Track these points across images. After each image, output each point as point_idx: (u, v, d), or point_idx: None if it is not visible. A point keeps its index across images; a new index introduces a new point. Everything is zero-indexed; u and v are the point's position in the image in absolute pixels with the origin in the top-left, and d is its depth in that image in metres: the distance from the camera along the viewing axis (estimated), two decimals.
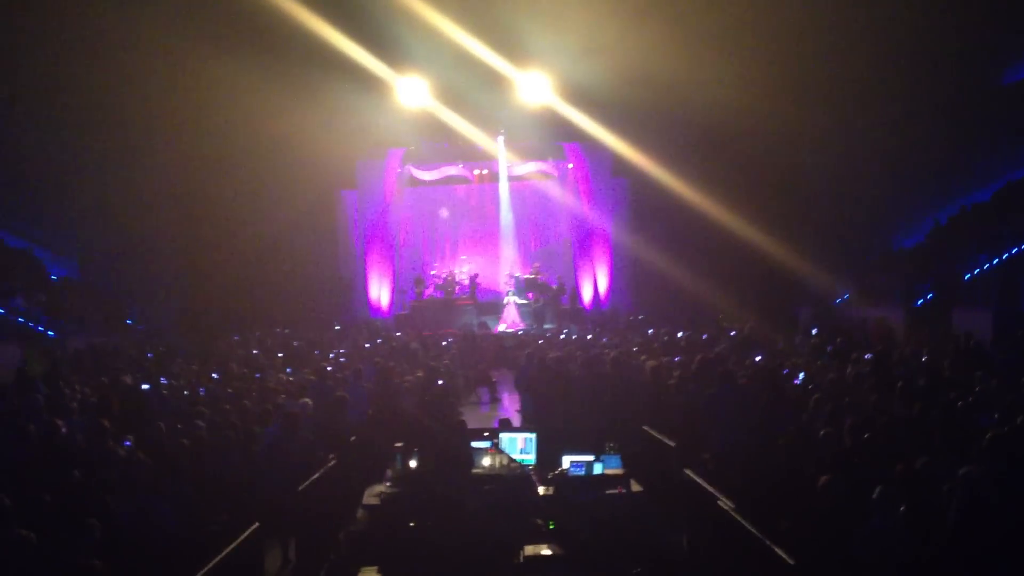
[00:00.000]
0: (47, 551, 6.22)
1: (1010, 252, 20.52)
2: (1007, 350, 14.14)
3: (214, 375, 15.63)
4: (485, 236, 31.18)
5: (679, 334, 20.07)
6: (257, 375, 15.33)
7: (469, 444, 8.36)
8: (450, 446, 8.18)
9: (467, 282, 28.91)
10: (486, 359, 21.05)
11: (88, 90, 21.92)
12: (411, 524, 7.04)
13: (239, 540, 7.05)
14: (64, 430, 9.80)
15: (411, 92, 25.95)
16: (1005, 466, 6.71)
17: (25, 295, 22.02)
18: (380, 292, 29.66)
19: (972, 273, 21.15)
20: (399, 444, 8.66)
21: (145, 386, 13.95)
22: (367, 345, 21.06)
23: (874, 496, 6.70)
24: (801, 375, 12.66)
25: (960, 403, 9.36)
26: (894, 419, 8.95)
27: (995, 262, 20.70)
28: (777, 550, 6.44)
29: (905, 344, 16.19)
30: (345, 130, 25.90)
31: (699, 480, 8.48)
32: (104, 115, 22.79)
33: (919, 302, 21.67)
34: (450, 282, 29.12)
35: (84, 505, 7.04)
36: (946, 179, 23.40)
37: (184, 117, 23.70)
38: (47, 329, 21.64)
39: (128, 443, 9.29)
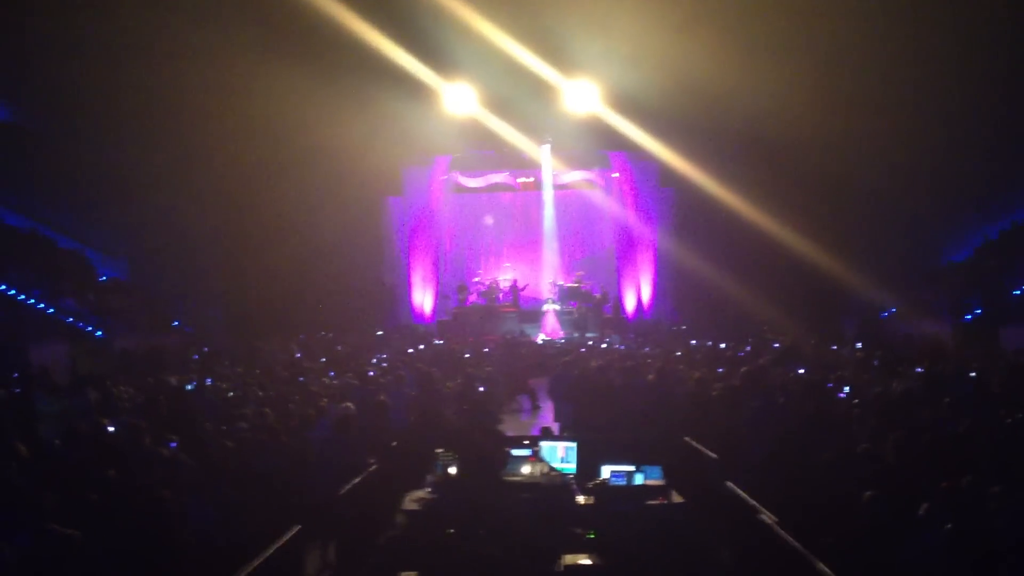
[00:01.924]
0: (91, 550, 6.29)
1: None
2: None
3: (257, 378, 15.78)
4: (529, 244, 31.24)
5: (722, 345, 19.92)
6: (300, 378, 15.46)
7: (503, 450, 8.36)
8: (482, 452, 8.19)
9: (510, 289, 28.95)
10: (527, 367, 21.03)
11: (141, 96, 22.30)
12: (450, 531, 7.04)
13: (280, 542, 7.10)
14: (111, 430, 9.96)
15: (458, 99, 26.07)
16: None
17: (75, 295, 22.41)
18: (423, 298, 29.86)
19: (1021, 289, 20.79)
20: (439, 450, 8.68)
21: (189, 387, 14.15)
22: (411, 351, 21.14)
23: (919, 513, 6.60)
24: (846, 388, 12.49)
25: (1009, 420, 9.19)
26: (941, 435, 8.80)
27: None
28: (820, 565, 6.35)
29: (953, 359, 15.92)
30: (392, 137, 26.12)
31: (741, 493, 8.40)
32: (156, 121, 23.17)
33: (967, 317, 21.35)
34: (493, 289, 29.19)
35: (127, 505, 7.13)
36: (996, 193, 23.04)
37: (234, 124, 23.99)
38: (96, 329, 22.00)
39: (173, 444, 9.41)
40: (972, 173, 22.05)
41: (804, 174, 24.62)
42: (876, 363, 15.63)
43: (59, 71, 21.43)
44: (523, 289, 29.04)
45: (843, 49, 21.52)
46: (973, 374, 13.38)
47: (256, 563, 6.58)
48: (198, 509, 7.63)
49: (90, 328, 21.92)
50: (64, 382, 14.56)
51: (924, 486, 6.92)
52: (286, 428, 10.40)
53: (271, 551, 6.89)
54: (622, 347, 22.23)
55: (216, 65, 22.01)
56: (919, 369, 13.49)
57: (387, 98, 24.30)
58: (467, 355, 20.06)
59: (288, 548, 7.23)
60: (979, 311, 21.24)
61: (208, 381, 15.20)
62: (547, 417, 16.41)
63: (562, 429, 12.97)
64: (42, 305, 21.20)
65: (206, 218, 26.29)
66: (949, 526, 6.33)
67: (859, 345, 19.79)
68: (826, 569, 6.28)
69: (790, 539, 6.89)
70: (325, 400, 12.44)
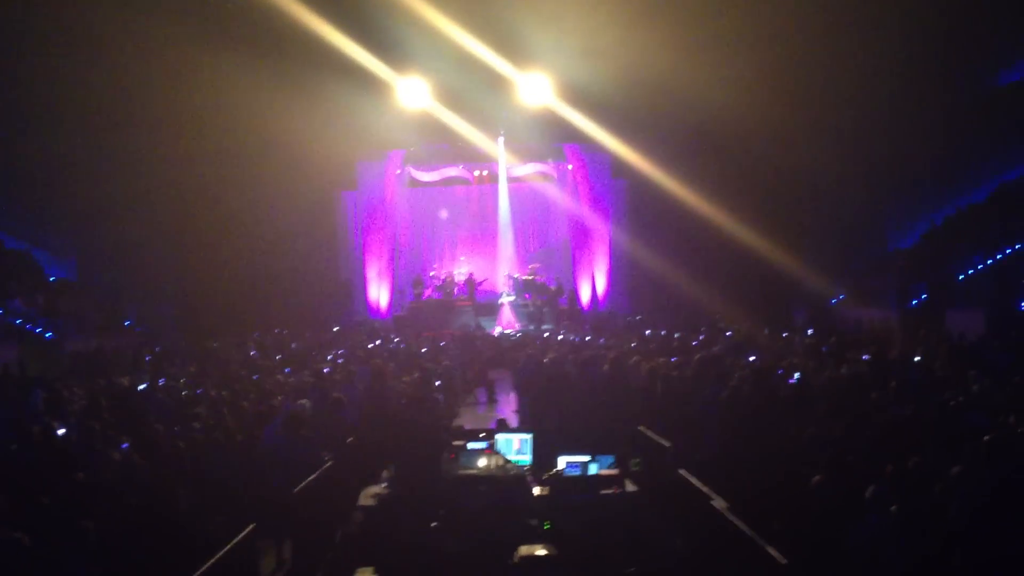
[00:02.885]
0: (41, 553, 6.24)
1: (1004, 253, 20.60)
2: (1000, 349, 14.19)
3: (211, 377, 15.65)
4: (484, 237, 31.26)
5: (675, 335, 20.11)
6: (255, 376, 15.36)
7: (443, 444, 8.43)
8: (420, 448, 8.26)
9: (465, 283, 28.96)
10: (484, 360, 21.07)
11: (86, 91, 21.93)
12: (405, 525, 7.09)
13: (234, 541, 7.07)
14: (61, 432, 9.85)
15: (411, 93, 26.00)
16: (1002, 468, 6.73)
17: (23, 296, 22.03)
18: (379, 293, 29.75)
19: (966, 273, 21.23)
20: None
21: (141, 387, 14.00)
22: (369, 346, 21.07)
23: (867, 495, 6.75)
24: (796, 375, 12.68)
25: (953, 403, 9.40)
26: (887, 419, 8.99)
27: (989, 262, 20.78)
28: (770, 550, 6.47)
29: (899, 344, 16.23)
30: (345, 131, 25.98)
31: (693, 480, 8.51)
32: (102, 116, 22.84)
33: (913, 302, 21.75)
34: (449, 283, 29.19)
35: (80, 507, 7.07)
36: (941, 180, 23.48)
37: (183, 117, 23.74)
38: (45, 331, 21.66)
39: (125, 445, 9.32)
40: (916, 161, 22.45)
41: (753, 165, 24.94)
42: (825, 350, 15.88)
43: (3, 67, 21.03)
44: (481, 283, 29.07)
45: (789, 43, 21.78)
46: (918, 359, 13.67)
47: (211, 562, 6.55)
48: (151, 509, 7.58)
49: (39, 330, 21.56)
50: (12, 385, 14.33)
51: (871, 469, 7.07)
52: (240, 427, 10.35)
53: (226, 550, 6.86)
54: (575, 339, 22.33)
55: (164, 57, 21.73)
56: (866, 355, 13.72)
57: (340, 92, 24.15)
58: (424, 349, 20.04)
59: (243, 547, 7.20)
60: (925, 296, 21.64)
61: (161, 381, 15.05)
62: (505, 409, 16.50)
63: (520, 421, 13.04)
64: None
65: (156, 215, 25.98)
66: (895, 508, 6.48)
67: (809, 332, 20.08)
68: (776, 553, 6.39)
69: (741, 524, 7.00)
70: (280, 398, 12.39)
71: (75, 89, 21.85)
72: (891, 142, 22.31)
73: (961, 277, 21.33)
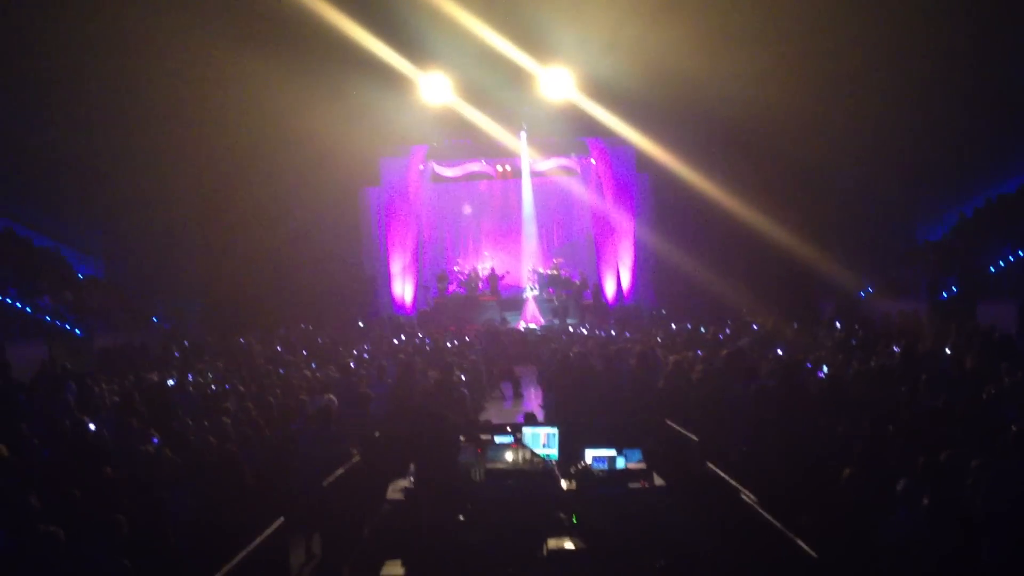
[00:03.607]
0: (75, 548, 6.30)
1: None
2: None
3: (238, 372, 15.75)
4: (508, 232, 31.25)
5: (701, 329, 20.04)
6: (281, 371, 15.45)
7: (457, 438, 8.46)
8: (449, 442, 8.28)
9: (488, 278, 29.00)
10: (509, 355, 21.10)
11: (113, 88, 22.10)
12: (433, 519, 7.10)
13: (264, 535, 7.11)
14: (93, 427, 9.94)
15: (434, 89, 26.00)
16: None
17: (52, 294, 22.25)
18: (404, 289, 29.81)
19: (997, 265, 20.98)
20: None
21: (171, 382, 14.11)
22: (395, 341, 21.13)
23: (898, 489, 6.69)
24: (825, 368, 12.61)
25: (985, 396, 9.30)
26: (918, 412, 8.91)
27: (1020, 254, 20.51)
28: (800, 543, 6.43)
29: (930, 337, 16.07)
30: (368, 127, 26.01)
31: (722, 474, 8.48)
32: (129, 113, 22.98)
33: (943, 295, 21.52)
34: (473, 278, 29.23)
35: (112, 502, 7.13)
36: (970, 172, 23.22)
37: (208, 115, 23.85)
38: (74, 327, 21.86)
39: (156, 440, 9.40)
40: (946, 152, 22.20)
41: (779, 158, 24.72)
42: (854, 343, 15.76)
43: (29, 64, 21.19)
44: (503, 277, 29.10)
45: (816, 34, 21.58)
46: (949, 352, 13.54)
47: (241, 556, 6.59)
48: (182, 504, 7.64)
49: (68, 327, 21.76)
50: (43, 381, 14.47)
51: (902, 463, 7.02)
52: (268, 422, 10.41)
53: (256, 544, 6.90)
54: (601, 333, 22.31)
55: (190, 55, 21.83)
56: (896, 348, 13.60)
57: (363, 88, 24.19)
58: (449, 344, 20.09)
59: (272, 541, 7.24)
60: (955, 289, 21.41)
61: (189, 377, 15.16)
62: (530, 404, 16.51)
63: (545, 416, 13.04)
64: (19, 304, 21.03)
65: (181, 212, 26.16)
66: (926, 501, 6.42)
67: (837, 325, 19.92)
68: (806, 547, 6.36)
69: (771, 519, 6.96)
70: (306, 393, 12.44)
71: (101, 87, 22.02)
72: (920, 133, 22.08)
73: (992, 269, 21.08)
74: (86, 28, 20.70)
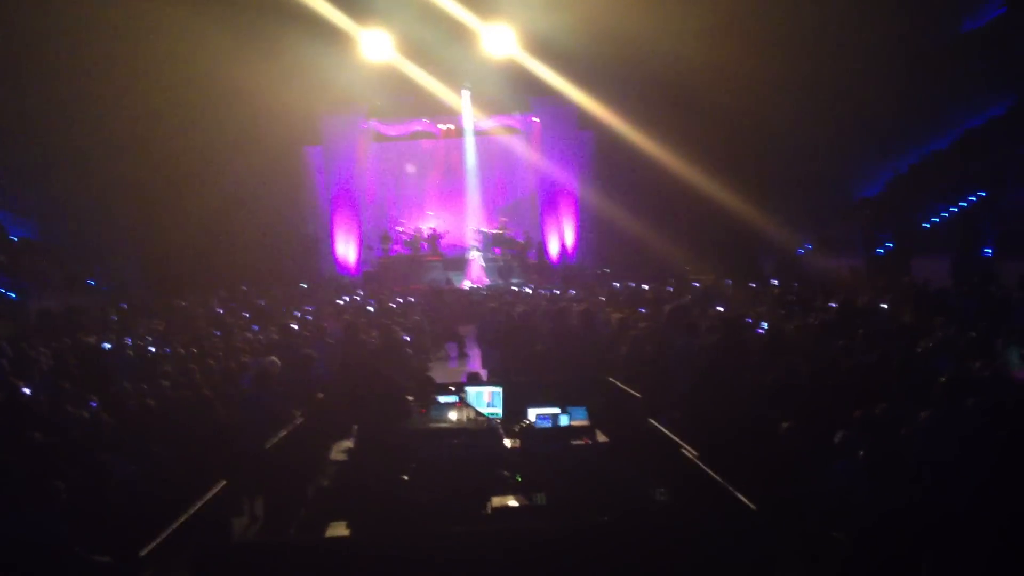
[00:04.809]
0: (12, 514, 6.19)
1: (969, 200, 20.78)
2: (965, 296, 14.36)
3: (178, 334, 15.53)
4: (452, 191, 31.04)
5: (644, 287, 20.18)
6: (218, 333, 15.25)
7: (404, 398, 8.46)
8: (393, 402, 8.27)
9: (430, 238, 28.90)
10: (454, 314, 21.06)
11: (41, 43, 21.41)
12: (377, 479, 7.09)
13: (206, 498, 7.04)
14: (27, 392, 9.74)
15: (375, 46, 25.65)
16: (962, 410, 6.83)
17: None
18: (347, 249, 29.59)
19: (931, 221, 21.42)
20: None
21: (107, 345, 13.86)
22: (339, 302, 20.95)
23: (835, 441, 6.83)
24: (764, 324, 12.79)
25: (919, 349, 9.52)
26: (855, 366, 9.09)
27: (954, 210, 20.96)
28: (740, 497, 6.54)
29: (866, 292, 16.39)
30: (308, 85, 25.61)
31: (664, 430, 8.57)
32: (58, 68, 22.28)
33: (879, 251, 21.94)
34: (416, 238, 29.08)
35: (49, 467, 7.01)
36: (905, 128, 23.57)
37: (141, 69, 23.19)
38: (8, 291, 21.35)
39: (93, 404, 9.25)
40: (880, 109, 22.51)
41: (717, 116, 24.85)
42: (792, 299, 16.01)
43: None
44: (443, 237, 29.00)
45: None
46: (885, 306, 13.82)
47: (182, 519, 6.53)
48: (120, 468, 7.54)
49: (2, 290, 21.25)
50: None
51: (839, 416, 7.16)
52: (209, 384, 10.28)
53: (197, 507, 6.84)
54: (545, 292, 22.38)
55: (122, 6, 21.21)
56: (834, 304, 13.84)
57: (302, 44, 23.76)
58: (393, 305, 19.98)
59: (214, 504, 7.17)
60: (891, 244, 21.84)
61: (127, 340, 14.90)
62: (475, 364, 16.52)
63: (490, 375, 13.06)
64: None
65: (117, 170, 25.47)
66: (862, 453, 6.56)
67: (775, 282, 20.22)
68: (747, 500, 6.46)
69: (711, 472, 7.06)
70: (249, 355, 12.31)
71: (30, 42, 21.32)
72: (854, 91, 22.34)
73: (926, 225, 21.52)
74: None
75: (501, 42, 25.53)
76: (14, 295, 21.37)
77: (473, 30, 25.23)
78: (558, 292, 21.79)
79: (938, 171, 22.73)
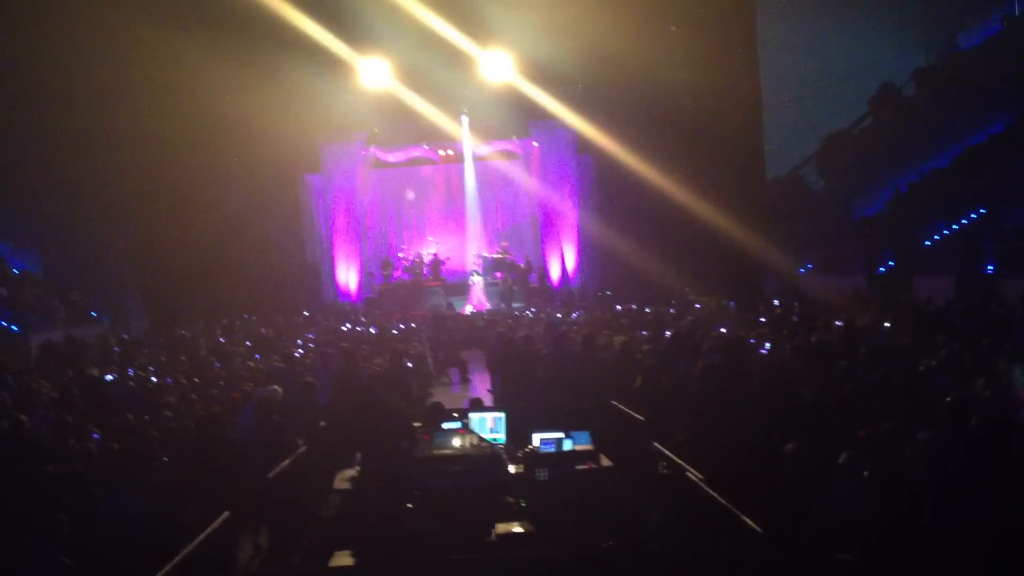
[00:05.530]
0: (14, 547, 6.16)
1: (969, 217, 20.79)
2: (967, 314, 14.34)
3: (180, 365, 15.51)
4: (452, 217, 31.08)
5: (646, 309, 20.17)
6: (217, 364, 15.20)
7: (411, 427, 8.43)
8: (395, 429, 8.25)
9: (431, 263, 28.91)
10: (456, 340, 21.04)
11: (41, 72, 21.55)
12: (381, 508, 7.07)
13: (210, 530, 7.01)
14: (29, 425, 9.72)
15: (373, 73, 25.79)
16: (966, 430, 6.81)
17: None
18: (348, 276, 29.60)
19: (932, 239, 21.42)
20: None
21: (109, 377, 13.84)
22: (343, 328, 20.94)
23: (840, 461, 6.80)
24: (767, 345, 12.77)
25: (922, 368, 9.49)
26: (858, 386, 9.06)
27: (955, 227, 20.96)
28: (746, 519, 6.51)
29: (868, 312, 16.38)
30: (307, 113, 25.76)
31: (668, 453, 8.55)
32: (58, 99, 22.41)
33: (881, 269, 21.93)
34: (418, 264, 29.08)
35: (51, 500, 6.98)
36: (906, 147, 23.65)
37: (141, 98, 23.35)
38: (10, 324, 21.34)
39: (97, 436, 9.22)
40: (880, 129, 22.61)
41: (719, 138, 24.96)
42: (795, 319, 15.99)
43: None
44: (444, 263, 29.02)
45: (749, 18, 21.82)
46: (888, 324, 13.80)
47: (187, 551, 6.50)
48: (124, 500, 7.50)
49: (4, 323, 21.24)
50: None
51: (843, 436, 7.13)
52: (211, 414, 10.25)
53: (201, 538, 6.81)
54: (546, 316, 22.36)
55: (121, 36, 21.35)
56: (837, 323, 13.82)
57: (301, 72, 23.97)
58: (395, 331, 19.97)
59: (218, 535, 7.14)
60: (892, 263, 21.83)
61: (130, 371, 14.88)
62: (478, 389, 16.47)
63: (495, 400, 13.03)
64: None
65: (117, 200, 25.60)
66: (867, 473, 6.53)
67: (776, 303, 20.21)
68: (752, 523, 6.44)
69: (716, 496, 7.03)
70: (251, 384, 12.28)
71: (29, 71, 21.44)
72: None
73: (928, 243, 21.52)
74: (9, 12, 20.14)
75: (499, 68, 25.67)
76: (16, 328, 21.36)
77: (471, 56, 25.38)
78: (559, 316, 21.78)
79: (939, 189, 22.77)
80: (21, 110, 22.28)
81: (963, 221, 21.10)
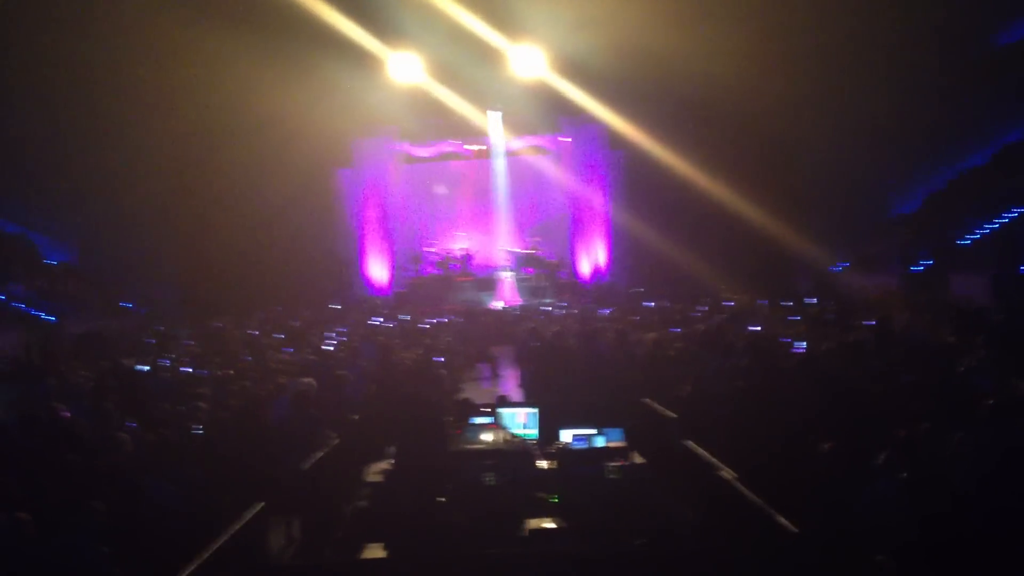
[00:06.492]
0: (52, 536, 6.23)
1: (1007, 216, 20.51)
2: (1007, 314, 14.13)
3: (214, 356, 15.62)
4: (482, 212, 31.10)
5: (677, 306, 20.08)
6: (249, 357, 15.30)
7: (447, 421, 8.43)
8: (428, 422, 8.25)
9: (460, 258, 28.95)
10: (486, 335, 21.06)
11: (80, 70, 21.77)
12: (413, 501, 7.08)
13: (243, 521, 7.06)
14: (66, 415, 9.83)
15: (404, 68, 25.87)
16: (1008, 432, 6.72)
17: (24, 280, 21.99)
18: (379, 270, 29.72)
19: (969, 238, 21.16)
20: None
21: (144, 368, 13.98)
22: (371, 323, 21.02)
23: (878, 462, 6.72)
24: (802, 344, 12.66)
25: (961, 369, 9.36)
26: (896, 385, 8.96)
27: (992, 226, 20.69)
28: (780, 518, 6.46)
29: (903, 310, 16.19)
30: (339, 108, 25.84)
31: (701, 451, 8.50)
32: (97, 95, 22.66)
33: (916, 268, 21.69)
34: (447, 259, 29.14)
35: (89, 489, 7.05)
36: (942, 144, 23.35)
37: (177, 95, 23.56)
38: (47, 314, 21.62)
39: (132, 425, 9.31)
40: (917, 125, 22.32)
41: (751, 134, 24.82)
42: (830, 317, 15.84)
43: None
44: (472, 258, 29.04)
45: (787, 10, 21.62)
46: (925, 324, 13.63)
47: (220, 542, 6.54)
48: (159, 490, 7.57)
49: (41, 313, 21.52)
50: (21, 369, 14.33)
51: (879, 436, 7.05)
52: (247, 406, 10.32)
53: (235, 530, 6.85)
54: (577, 312, 22.33)
55: (156, 33, 21.57)
56: (872, 322, 13.68)
57: (332, 68, 24.03)
58: (425, 325, 20.02)
59: (252, 526, 7.19)
60: (928, 262, 21.59)
61: (165, 362, 15.02)
62: (508, 384, 16.48)
63: (524, 396, 13.03)
64: None
65: (154, 196, 25.88)
66: (905, 475, 6.46)
67: (812, 300, 20.04)
68: (786, 522, 6.39)
69: (750, 494, 6.99)
70: (283, 376, 12.35)
71: (69, 68, 21.67)
72: (890, 107, 22.18)
73: (964, 241, 21.26)
74: (50, 9, 20.38)
75: (530, 63, 25.66)
76: (52, 318, 21.63)
77: (502, 51, 25.37)
78: (590, 312, 21.72)
79: (976, 187, 22.48)
80: (62, 107, 22.51)
81: (1001, 219, 20.82)
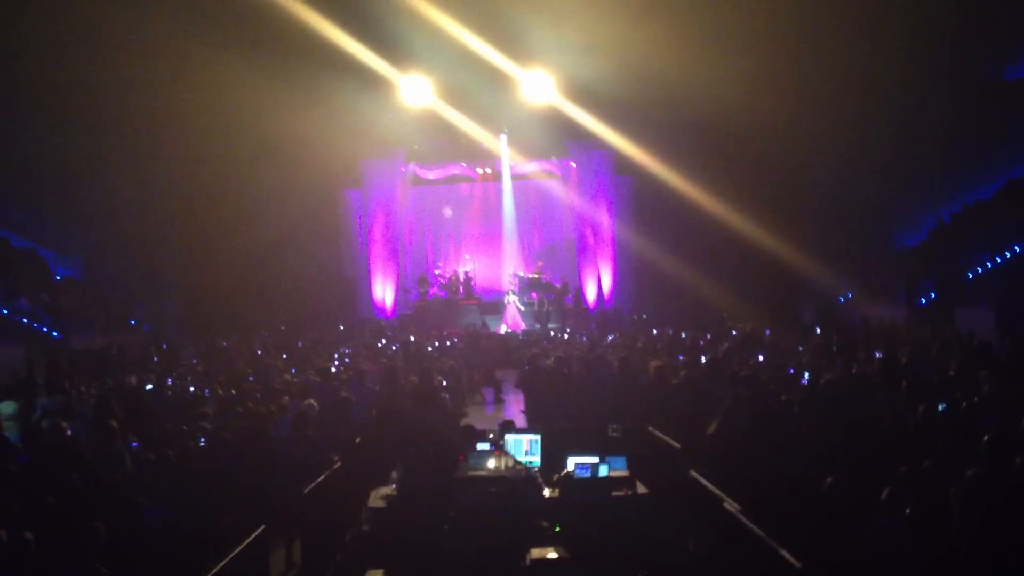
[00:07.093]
0: (52, 554, 6.21)
1: (1013, 250, 20.47)
2: (1012, 349, 14.09)
3: (218, 376, 15.63)
4: (489, 235, 31.14)
5: (683, 334, 20.05)
6: (251, 378, 15.29)
7: (455, 449, 8.39)
8: (435, 448, 8.22)
9: (465, 281, 28.95)
10: (490, 359, 21.03)
11: (92, 90, 21.92)
12: (415, 527, 7.05)
13: (245, 543, 7.03)
14: (69, 432, 9.82)
15: (414, 91, 26.02)
16: (1006, 468, 6.69)
17: (29, 295, 22.02)
18: (384, 292, 29.71)
19: (975, 271, 21.12)
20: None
21: (148, 387, 13.98)
22: (379, 344, 21.03)
23: (882, 497, 6.69)
24: (807, 375, 12.63)
25: (965, 403, 9.33)
26: (900, 419, 8.93)
27: (998, 260, 20.65)
28: (783, 552, 6.42)
29: (908, 343, 16.16)
30: (348, 129, 25.94)
31: (705, 482, 8.46)
32: (108, 115, 22.82)
33: (922, 300, 21.65)
34: (454, 282, 29.12)
35: (90, 508, 7.03)
36: (948, 177, 23.38)
37: (186, 116, 23.69)
38: (51, 330, 21.63)
39: (135, 444, 9.30)
40: (923, 157, 22.37)
41: (759, 161, 24.87)
42: (835, 348, 15.80)
43: (5, 67, 20.99)
44: (473, 280, 29.03)
45: (795, 37, 21.74)
46: (931, 358, 13.58)
47: (221, 564, 6.52)
48: (160, 510, 7.55)
49: (46, 329, 21.53)
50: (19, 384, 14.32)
51: (883, 471, 7.02)
52: (248, 426, 10.31)
53: (236, 552, 6.83)
54: (582, 338, 22.30)
55: (167, 55, 21.74)
56: (877, 354, 13.65)
57: (342, 90, 24.15)
58: (430, 348, 20.00)
59: (253, 548, 7.16)
60: (933, 295, 21.55)
61: (168, 381, 15.03)
62: (512, 409, 16.43)
63: (527, 422, 12.97)
64: None
65: (160, 213, 25.99)
66: (908, 510, 6.43)
67: (817, 331, 20.00)
68: (790, 556, 6.35)
69: (753, 527, 6.95)
70: (287, 397, 12.34)
71: (80, 88, 21.83)
72: (897, 138, 22.23)
73: (970, 275, 21.22)
74: (64, 31, 20.54)
75: (539, 88, 25.80)
76: (56, 334, 21.64)
77: (511, 76, 25.50)
78: (594, 338, 21.68)
79: (982, 220, 22.47)
80: (72, 128, 22.64)
81: (1007, 253, 20.79)
